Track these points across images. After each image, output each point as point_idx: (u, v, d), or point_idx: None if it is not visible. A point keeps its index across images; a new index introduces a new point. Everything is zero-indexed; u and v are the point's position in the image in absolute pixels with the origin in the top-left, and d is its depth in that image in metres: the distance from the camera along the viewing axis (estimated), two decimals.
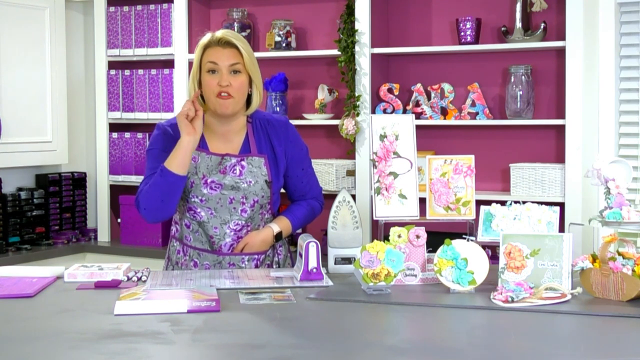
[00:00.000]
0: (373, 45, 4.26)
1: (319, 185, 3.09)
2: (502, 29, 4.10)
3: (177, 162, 2.75)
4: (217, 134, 2.91)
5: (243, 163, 2.87)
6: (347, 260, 2.79)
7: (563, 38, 3.91)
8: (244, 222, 2.87)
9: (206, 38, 2.88)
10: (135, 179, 4.83)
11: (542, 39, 4.02)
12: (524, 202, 2.65)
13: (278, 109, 4.53)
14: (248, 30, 4.66)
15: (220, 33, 2.86)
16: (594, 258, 2.43)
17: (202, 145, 2.89)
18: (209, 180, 2.84)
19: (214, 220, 2.86)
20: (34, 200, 4.75)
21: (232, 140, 2.91)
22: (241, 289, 2.51)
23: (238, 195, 2.85)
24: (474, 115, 4.18)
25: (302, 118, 4.52)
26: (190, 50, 4.68)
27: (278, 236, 2.94)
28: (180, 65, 4.68)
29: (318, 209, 3.08)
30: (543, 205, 2.64)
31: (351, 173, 4.33)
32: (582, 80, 3.87)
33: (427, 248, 2.61)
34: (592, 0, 3.90)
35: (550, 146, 4.13)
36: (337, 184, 4.28)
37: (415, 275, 2.59)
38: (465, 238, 2.61)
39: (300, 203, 3.04)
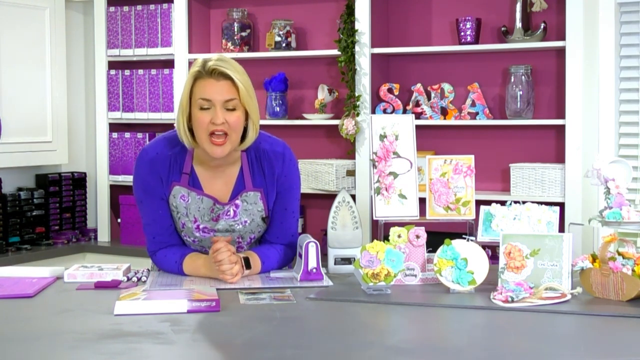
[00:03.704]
0: (373, 45, 4.26)
1: (296, 233, 2.79)
2: (502, 29, 4.10)
3: (195, 273, 2.65)
4: (210, 166, 2.68)
5: (237, 202, 2.67)
6: (347, 260, 2.78)
7: (563, 38, 3.91)
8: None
9: (197, 66, 2.57)
10: None
11: (542, 39, 4.01)
12: (523, 202, 2.65)
13: (278, 109, 4.53)
14: (248, 30, 4.66)
15: (212, 62, 2.55)
16: (594, 258, 2.43)
17: (194, 183, 2.67)
18: (201, 226, 2.68)
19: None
20: (34, 200, 4.75)
21: (226, 174, 2.69)
22: (241, 289, 2.51)
23: (234, 235, 2.70)
24: (474, 115, 4.18)
25: (302, 118, 4.52)
26: (190, 50, 4.68)
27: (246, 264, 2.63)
28: (180, 65, 4.68)
29: (288, 256, 2.77)
30: (543, 205, 2.64)
31: (351, 173, 4.33)
32: (582, 80, 3.86)
33: (427, 248, 2.61)
34: (592, 0, 3.90)
35: (550, 146, 4.13)
36: (337, 184, 4.28)
37: (415, 275, 2.58)
38: (465, 238, 2.61)
39: (273, 248, 2.75)
